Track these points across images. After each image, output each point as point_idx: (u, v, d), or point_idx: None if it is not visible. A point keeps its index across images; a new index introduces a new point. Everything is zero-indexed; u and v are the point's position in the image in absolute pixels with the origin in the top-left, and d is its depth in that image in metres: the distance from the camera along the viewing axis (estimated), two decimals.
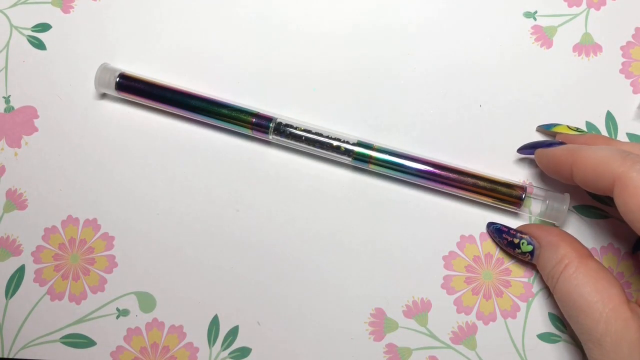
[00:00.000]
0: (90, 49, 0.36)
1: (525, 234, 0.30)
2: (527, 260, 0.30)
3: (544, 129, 0.32)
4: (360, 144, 0.32)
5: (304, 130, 0.32)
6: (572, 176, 0.27)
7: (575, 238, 0.29)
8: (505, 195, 0.31)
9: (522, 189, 0.31)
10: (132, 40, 0.36)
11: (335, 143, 0.32)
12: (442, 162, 0.32)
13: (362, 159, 0.32)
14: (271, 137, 0.33)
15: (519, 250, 0.30)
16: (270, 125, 0.32)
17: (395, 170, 0.32)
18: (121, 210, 0.34)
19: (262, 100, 0.34)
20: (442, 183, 0.31)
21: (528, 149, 0.32)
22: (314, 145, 0.32)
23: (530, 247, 0.30)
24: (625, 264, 0.31)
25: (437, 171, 0.31)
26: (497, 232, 0.31)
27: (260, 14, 0.36)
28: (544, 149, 0.30)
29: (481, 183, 0.31)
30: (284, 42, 0.35)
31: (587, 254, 0.28)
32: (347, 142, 0.32)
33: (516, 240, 0.30)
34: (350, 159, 0.32)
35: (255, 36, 0.35)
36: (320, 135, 0.32)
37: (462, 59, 0.34)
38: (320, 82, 0.35)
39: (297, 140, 0.32)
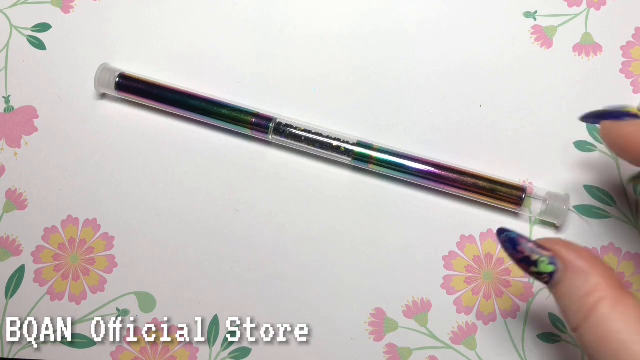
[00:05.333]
0: (90, 49, 0.36)
1: (547, 250, 0.23)
2: (543, 281, 0.24)
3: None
4: (360, 144, 0.32)
5: (304, 130, 0.32)
6: None
7: (609, 266, 0.23)
8: (505, 195, 0.31)
9: (522, 189, 0.31)
10: (132, 40, 0.36)
11: (335, 143, 0.32)
12: (442, 162, 0.32)
13: (362, 159, 0.32)
14: (271, 137, 0.33)
15: (536, 269, 0.24)
16: (270, 125, 0.32)
17: (395, 170, 0.32)
18: (121, 210, 0.34)
19: (262, 100, 0.34)
20: (442, 183, 0.31)
21: (593, 118, 0.26)
22: (314, 145, 0.32)
23: (551, 268, 0.23)
24: (626, 264, 0.31)
25: (437, 171, 0.31)
26: (510, 242, 0.25)
27: (260, 14, 0.36)
28: (614, 121, 0.25)
29: (481, 183, 0.31)
30: (284, 42, 0.35)
31: (622, 286, 0.23)
32: (347, 142, 0.32)
33: (534, 257, 0.24)
34: (350, 159, 0.32)
35: (255, 36, 0.35)
36: (320, 135, 0.32)
37: (462, 59, 0.34)
38: (320, 82, 0.35)
39: (297, 140, 0.32)
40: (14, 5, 0.37)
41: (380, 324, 0.32)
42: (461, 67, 0.34)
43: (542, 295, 0.31)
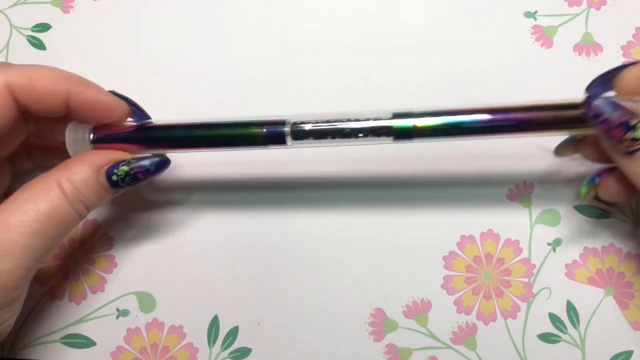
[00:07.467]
0: (90, 49, 0.36)
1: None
2: (629, 150, 0.23)
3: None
4: (398, 115, 0.26)
5: (328, 122, 0.26)
6: None
7: None
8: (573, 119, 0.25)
9: (577, 105, 0.25)
10: (131, 41, 0.36)
11: (370, 124, 0.26)
12: (497, 105, 0.26)
13: (404, 135, 0.26)
14: (290, 144, 0.27)
15: (632, 135, 0.23)
16: (285, 133, 0.27)
17: (448, 134, 0.26)
18: (121, 210, 0.34)
19: (262, 101, 0.34)
20: (506, 130, 0.26)
21: (600, 84, 0.25)
22: (341, 137, 0.26)
23: None
24: (627, 264, 0.31)
25: (497, 117, 0.26)
26: (610, 105, 0.23)
27: (259, 14, 0.36)
28: (621, 71, 0.24)
29: (545, 114, 0.25)
30: (283, 42, 0.35)
31: None
32: (381, 119, 0.26)
33: (634, 122, 0.22)
34: (391, 139, 0.26)
35: (254, 36, 0.35)
36: (349, 120, 0.26)
37: (462, 59, 0.34)
38: (320, 82, 0.35)
39: (322, 138, 0.27)
40: (14, 5, 0.37)
41: (380, 324, 0.32)
42: (461, 67, 0.34)
43: (542, 295, 0.31)
